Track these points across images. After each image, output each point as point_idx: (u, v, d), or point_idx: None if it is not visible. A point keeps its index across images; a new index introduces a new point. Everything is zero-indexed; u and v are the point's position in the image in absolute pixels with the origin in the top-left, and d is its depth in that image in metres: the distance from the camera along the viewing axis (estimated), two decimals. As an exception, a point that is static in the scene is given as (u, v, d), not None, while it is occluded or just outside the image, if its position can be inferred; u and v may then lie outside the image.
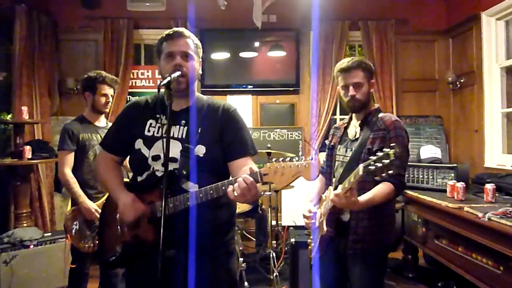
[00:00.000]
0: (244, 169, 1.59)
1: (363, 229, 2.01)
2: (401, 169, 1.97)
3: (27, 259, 3.41)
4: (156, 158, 1.68)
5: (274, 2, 4.34)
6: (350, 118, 2.25)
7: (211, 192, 1.52)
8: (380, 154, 1.55)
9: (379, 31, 5.06)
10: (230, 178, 1.54)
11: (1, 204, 4.42)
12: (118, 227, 1.75)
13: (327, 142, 2.35)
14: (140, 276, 1.72)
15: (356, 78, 2.07)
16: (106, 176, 1.83)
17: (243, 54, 5.19)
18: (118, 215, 1.75)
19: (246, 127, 1.77)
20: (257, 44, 5.21)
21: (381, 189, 1.90)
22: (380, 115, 2.11)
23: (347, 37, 5.11)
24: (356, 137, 2.12)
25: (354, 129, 2.17)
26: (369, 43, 5.08)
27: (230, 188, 1.45)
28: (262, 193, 3.85)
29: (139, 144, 1.72)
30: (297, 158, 1.43)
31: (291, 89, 5.21)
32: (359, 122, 2.14)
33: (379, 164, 1.52)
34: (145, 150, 1.70)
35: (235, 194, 1.43)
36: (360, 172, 1.59)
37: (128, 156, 1.85)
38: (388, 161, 1.51)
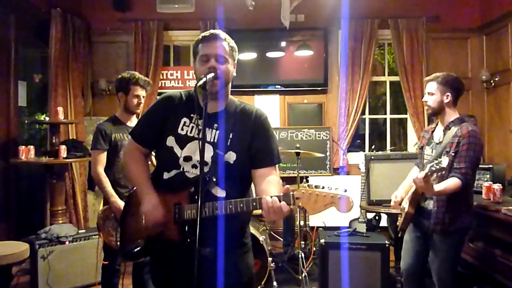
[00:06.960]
0: (268, 178, 1.63)
1: (442, 214, 2.41)
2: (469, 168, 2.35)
3: (63, 255, 3.54)
4: (187, 159, 1.67)
5: (302, 1, 4.33)
6: (437, 124, 2.66)
7: (241, 205, 1.52)
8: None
9: (410, 29, 4.96)
10: (259, 196, 1.56)
11: (38, 201, 4.60)
12: (143, 221, 1.73)
13: (418, 142, 2.83)
14: (168, 272, 1.74)
15: None
16: (133, 169, 1.81)
17: (270, 54, 5.20)
18: None
19: (274, 135, 1.78)
20: (284, 43, 5.21)
21: (450, 181, 2.32)
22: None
23: (376, 36, 5.03)
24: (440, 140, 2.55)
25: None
26: (399, 42, 4.99)
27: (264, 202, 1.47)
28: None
29: (171, 141, 1.70)
30: (331, 187, 1.42)
31: (319, 88, 5.18)
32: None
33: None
34: (177, 149, 1.69)
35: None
36: (443, 165, 2.14)
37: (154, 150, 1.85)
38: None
